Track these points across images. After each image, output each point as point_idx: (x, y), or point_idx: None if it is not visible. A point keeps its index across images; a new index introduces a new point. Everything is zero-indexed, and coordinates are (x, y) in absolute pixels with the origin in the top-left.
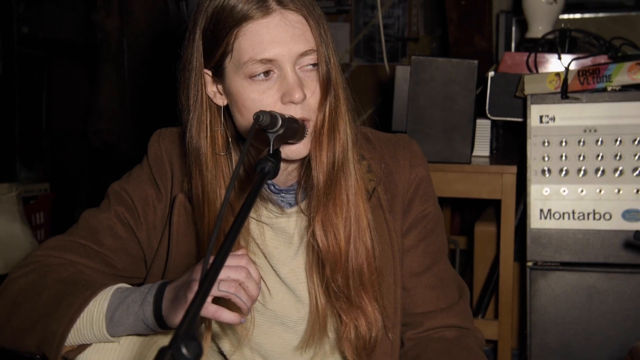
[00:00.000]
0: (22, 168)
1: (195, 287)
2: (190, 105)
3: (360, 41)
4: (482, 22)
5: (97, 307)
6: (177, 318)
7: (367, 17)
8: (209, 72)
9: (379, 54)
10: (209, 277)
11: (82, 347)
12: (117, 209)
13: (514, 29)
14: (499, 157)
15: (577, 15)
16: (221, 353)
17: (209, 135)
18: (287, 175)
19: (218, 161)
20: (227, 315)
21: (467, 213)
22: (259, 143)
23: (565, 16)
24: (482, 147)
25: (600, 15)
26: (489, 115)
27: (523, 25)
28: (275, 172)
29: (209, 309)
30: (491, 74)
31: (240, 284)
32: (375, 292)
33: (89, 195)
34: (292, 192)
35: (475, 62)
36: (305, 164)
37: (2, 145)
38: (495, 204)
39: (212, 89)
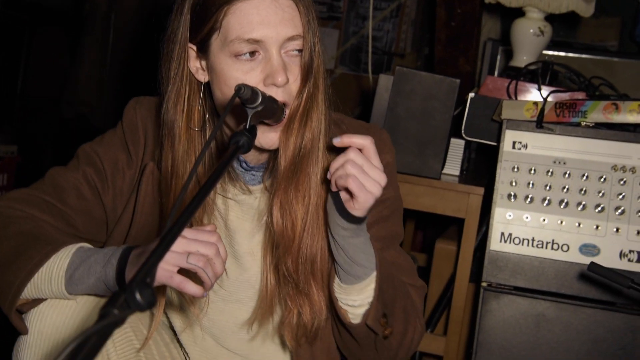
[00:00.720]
0: None
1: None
2: (170, 78)
3: (347, 50)
4: (469, 45)
5: (58, 264)
6: None
7: (357, 27)
8: (194, 47)
9: (363, 65)
10: (172, 233)
11: (37, 301)
12: (86, 170)
13: (499, 57)
14: (468, 178)
15: (562, 54)
16: (172, 329)
17: (185, 109)
18: (258, 154)
19: (191, 136)
20: (191, 287)
21: (429, 231)
22: (235, 121)
23: (550, 52)
24: (452, 166)
25: (584, 56)
26: (464, 136)
27: (508, 55)
28: (249, 147)
29: (175, 279)
30: (471, 95)
31: (208, 260)
32: (324, 283)
33: (55, 163)
34: (261, 170)
35: (458, 80)
36: None
37: None
38: (459, 223)
39: (194, 64)
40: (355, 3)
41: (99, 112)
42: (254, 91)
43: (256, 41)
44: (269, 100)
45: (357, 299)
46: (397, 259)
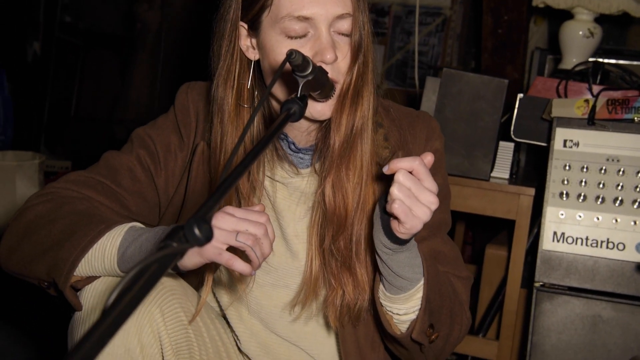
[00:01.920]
0: (46, 152)
1: (213, 220)
2: (221, 55)
3: (393, 65)
4: (516, 53)
5: (111, 242)
6: (188, 261)
7: (403, 42)
8: (245, 25)
9: (409, 79)
10: (228, 181)
11: (90, 279)
12: (139, 152)
13: (547, 65)
14: (518, 181)
15: (612, 61)
16: (218, 308)
17: (235, 86)
18: (306, 135)
19: (240, 113)
20: (239, 264)
21: (478, 244)
22: (284, 94)
23: (600, 60)
24: (502, 169)
25: (635, 63)
26: (513, 137)
27: (557, 64)
28: (300, 115)
29: (223, 256)
30: (520, 95)
31: (256, 239)
32: (367, 262)
33: None
34: (309, 152)
35: (506, 81)
36: (325, 126)
37: (30, 126)
38: (509, 229)
39: (245, 42)
40: (400, 19)
41: None
42: (304, 58)
43: (306, 18)
44: (319, 71)
45: (402, 308)
46: (443, 247)
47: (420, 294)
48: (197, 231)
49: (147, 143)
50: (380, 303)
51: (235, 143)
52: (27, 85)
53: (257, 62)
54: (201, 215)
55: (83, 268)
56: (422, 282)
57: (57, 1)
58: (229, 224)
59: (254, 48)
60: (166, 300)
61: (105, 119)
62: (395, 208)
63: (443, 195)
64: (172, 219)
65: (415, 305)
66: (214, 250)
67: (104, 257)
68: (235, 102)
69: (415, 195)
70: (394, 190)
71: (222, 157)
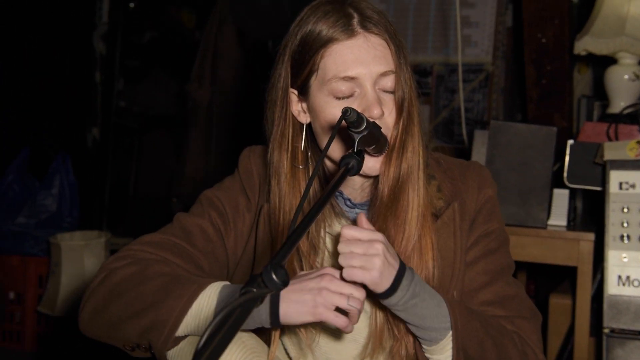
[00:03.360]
0: (108, 231)
1: (324, 283)
2: (275, 120)
3: (439, 123)
4: (562, 101)
5: (207, 301)
6: (299, 319)
7: (447, 101)
8: (295, 92)
9: (457, 136)
10: (300, 228)
11: (177, 340)
12: (210, 213)
13: (595, 112)
14: (576, 227)
15: None
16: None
17: (290, 149)
18: (361, 192)
19: (296, 174)
20: (350, 326)
21: (541, 294)
22: (337, 150)
23: None
24: (559, 217)
25: None
26: (567, 183)
27: (604, 109)
28: (358, 169)
29: (340, 319)
30: (570, 142)
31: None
32: None
33: None
34: (365, 207)
35: (555, 128)
36: (377, 181)
37: (92, 207)
38: (571, 275)
39: (296, 107)
40: (443, 78)
41: None
42: (359, 115)
43: (351, 78)
44: (374, 126)
45: (440, 358)
46: (508, 290)
47: (451, 345)
48: (274, 277)
49: (216, 204)
50: (423, 355)
51: (293, 203)
52: (89, 168)
53: (309, 125)
54: (277, 262)
55: (179, 328)
56: (450, 332)
57: (112, 88)
58: (337, 288)
59: (304, 112)
60: (249, 359)
61: (163, 196)
62: (347, 275)
63: (502, 239)
64: (243, 278)
65: (449, 355)
66: (329, 314)
67: (199, 317)
68: (291, 164)
69: (355, 254)
70: (340, 260)
71: (281, 217)
